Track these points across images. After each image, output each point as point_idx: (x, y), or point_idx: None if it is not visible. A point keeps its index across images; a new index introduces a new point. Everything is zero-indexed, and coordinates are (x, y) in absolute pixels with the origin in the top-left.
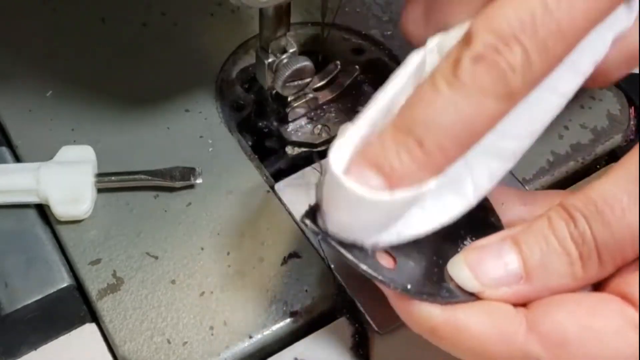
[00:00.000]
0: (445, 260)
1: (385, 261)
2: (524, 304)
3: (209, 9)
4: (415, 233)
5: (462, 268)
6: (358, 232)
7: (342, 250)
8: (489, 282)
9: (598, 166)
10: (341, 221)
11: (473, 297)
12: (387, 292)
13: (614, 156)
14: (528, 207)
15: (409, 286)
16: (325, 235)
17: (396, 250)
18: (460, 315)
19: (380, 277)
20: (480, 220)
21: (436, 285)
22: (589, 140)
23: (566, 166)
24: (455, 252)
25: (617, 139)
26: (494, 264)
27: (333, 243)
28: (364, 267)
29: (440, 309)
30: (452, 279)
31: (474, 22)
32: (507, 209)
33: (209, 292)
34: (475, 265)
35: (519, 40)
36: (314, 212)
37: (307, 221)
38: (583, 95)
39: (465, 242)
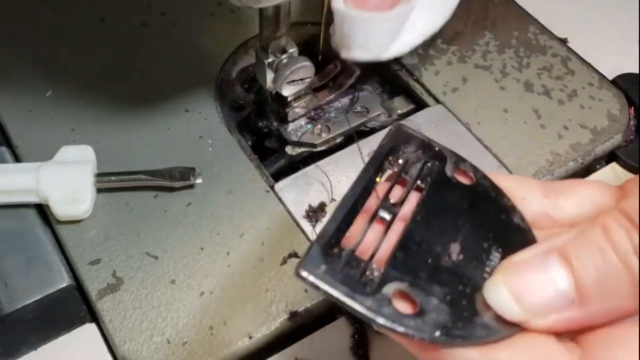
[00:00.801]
0: (474, 287)
1: (404, 306)
2: (572, 332)
3: (209, 8)
4: (417, 38)
5: (500, 292)
6: (374, 49)
7: (352, 303)
8: (535, 309)
9: (598, 166)
10: (358, 44)
11: (515, 328)
12: (411, 344)
13: (613, 156)
14: (551, 200)
15: (437, 333)
16: (328, 286)
17: (414, 289)
18: (502, 357)
19: (401, 330)
20: (502, 223)
21: (469, 322)
22: (588, 140)
23: (566, 166)
24: (483, 272)
25: (616, 139)
26: (540, 284)
27: (340, 297)
28: (381, 320)
29: (478, 352)
30: (488, 308)
31: None
32: (529, 204)
33: (208, 292)
34: (517, 287)
35: None
36: (312, 262)
37: (304, 273)
38: (582, 96)
39: (491, 257)
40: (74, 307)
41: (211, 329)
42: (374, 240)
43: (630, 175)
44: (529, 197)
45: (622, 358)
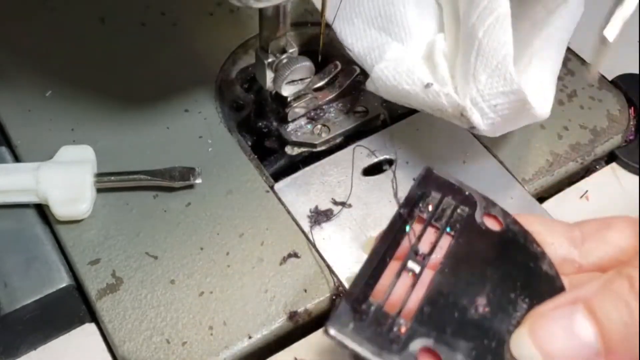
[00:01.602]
0: (500, 341)
1: None
2: None
3: (208, 8)
4: None
5: (526, 345)
6: None
7: None
8: None
9: (597, 167)
10: None
11: None
12: None
13: (613, 157)
14: (578, 247)
15: None
16: (356, 345)
17: (439, 344)
18: None
19: None
20: (530, 271)
21: None
22: (588, 141)
23: (565, 166)
24: (509, 325)
25: (616, 139)
26: (566, 337)
27: (367, 355)
28: None
29: None
30: None
31: None
32: (556, 249)
33: (208, 292)
34: (543, 339)
35: None
36: (340, 320)
37: (332, 332)
38: (582, 96)
39: (518, 308)
40: (73, 307)
41: (211, 329)
42: (402, 292)
43: (630, 176)
44: (556, 243)
45: None
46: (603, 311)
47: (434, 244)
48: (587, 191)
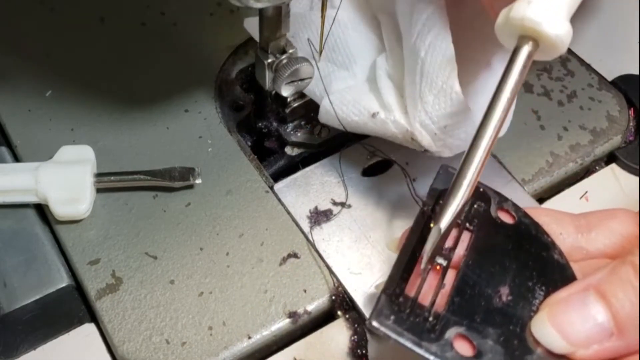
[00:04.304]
0: (523, 326)
1: (463, 348)
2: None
3: (208, 8)
4: None
5: (547, 328)
6: None
7: (420, 351)
8: (579, 341)
9: (597, 167)
10: None
11: (563, 359)
12: None
13: (613, 157)
14: (584, 236)
15: None
16: (397, 336)
17: (471, 331)
18: None
19: None
20: (543, 260)
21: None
22: (588, 142)
23: (565, 167)
24: (530, 311)
25: (616, 140)
26: (581, 319)
27: (408, 344)
28: None
29: None
30: (537, 344)
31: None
32: (564, 239)
33: (207, 293)
34: (561, 323)
35: None
36: (381, 313)
37: (376, 324)
38: (582, 97)
39: (536, 295)
40: (73, 307)
41: (210, 329)
42: (433, 285)
43: (630, 177)
44: (564, 233)
45: None
46: (612, 293)
47: (457, 239)
48: (586, 192)
